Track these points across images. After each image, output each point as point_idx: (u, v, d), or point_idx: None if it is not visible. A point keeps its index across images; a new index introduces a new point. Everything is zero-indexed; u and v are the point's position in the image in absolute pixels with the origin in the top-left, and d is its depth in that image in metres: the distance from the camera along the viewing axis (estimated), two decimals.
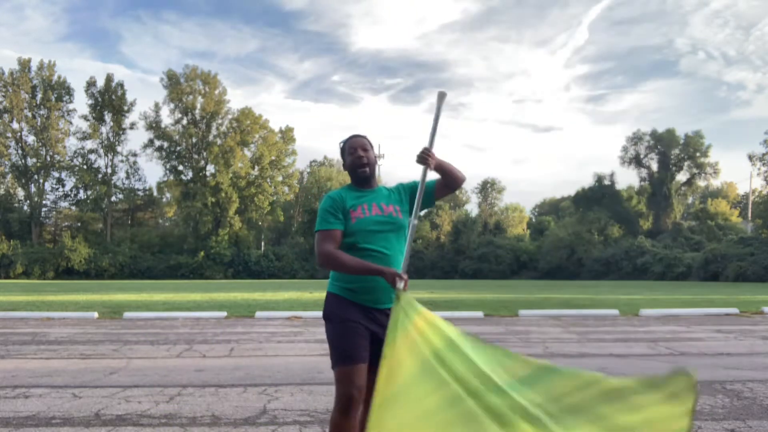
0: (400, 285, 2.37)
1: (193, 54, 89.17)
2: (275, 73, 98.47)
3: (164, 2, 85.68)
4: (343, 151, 2.77)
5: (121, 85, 54.71)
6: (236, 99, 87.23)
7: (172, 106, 54.37)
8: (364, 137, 2.76)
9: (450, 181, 2.69)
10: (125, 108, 54.47)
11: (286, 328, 9.97)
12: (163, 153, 54.89)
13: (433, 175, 2.68)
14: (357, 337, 2.47)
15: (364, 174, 2.69)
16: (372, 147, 2.78)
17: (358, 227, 2.58)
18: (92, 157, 54.68)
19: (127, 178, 56.20)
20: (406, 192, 2.75)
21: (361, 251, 2.55)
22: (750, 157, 47.26)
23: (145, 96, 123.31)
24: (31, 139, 52.99)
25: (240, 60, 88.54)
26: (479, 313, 12.26)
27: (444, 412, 2.12)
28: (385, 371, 2.23)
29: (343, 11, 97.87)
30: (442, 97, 2.54)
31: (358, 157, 2.68)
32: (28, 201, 54.25)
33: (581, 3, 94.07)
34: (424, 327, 2.26)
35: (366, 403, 2.60)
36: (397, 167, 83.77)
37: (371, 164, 2.71)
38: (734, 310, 13.02)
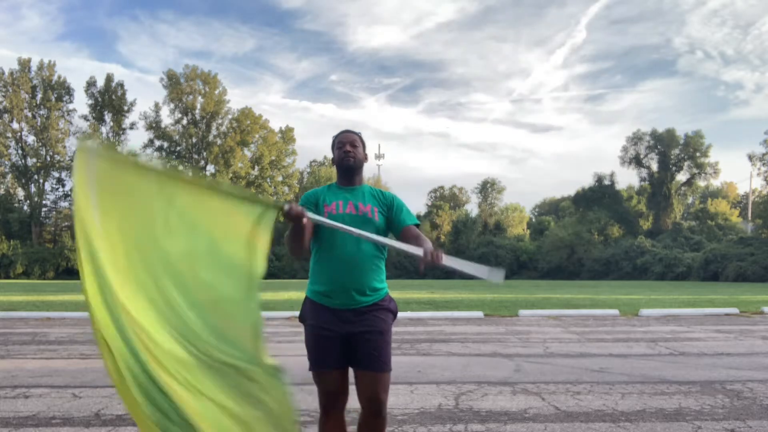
0: (286, 207, 2.32)
1: (191, 53, 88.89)
2: (273, 72, 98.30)
3: (161, 1, 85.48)
4: (333, 145, 2.73)
5: (121, 85, 54.72)
6: (234, 99, 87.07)
7: (172, 106, 54.46)
8: (355, 133, 2.72)
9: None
10: (125, 108, 54.43)
11: (286, 328, 9.97)
12: (163, 153, 54.86)
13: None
14: (326, 345, 2.48)
15: (348, 169, 2.65)
16: (363, 144, 2.73)
17: None
18: None
19: None
20: (386, 200, 2.68)
21: (328, 248, 2.54)
22: (750, 157, 47.32)
23: (142, 95, 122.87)
24: (31, 139, 52.97)
25: (237, 59, 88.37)
26: (479, 313, 12.25)
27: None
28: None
29: (340, 10, 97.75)
30: (493, 273, 2.49)
31: (344, 152, 2.64)
32: (28, 201, 54.22)
33: (579, 2, 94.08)
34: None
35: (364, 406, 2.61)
36: (396, 167, 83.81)
37: (357, 161, 2.66)
38: (734, 310, 13.01)
